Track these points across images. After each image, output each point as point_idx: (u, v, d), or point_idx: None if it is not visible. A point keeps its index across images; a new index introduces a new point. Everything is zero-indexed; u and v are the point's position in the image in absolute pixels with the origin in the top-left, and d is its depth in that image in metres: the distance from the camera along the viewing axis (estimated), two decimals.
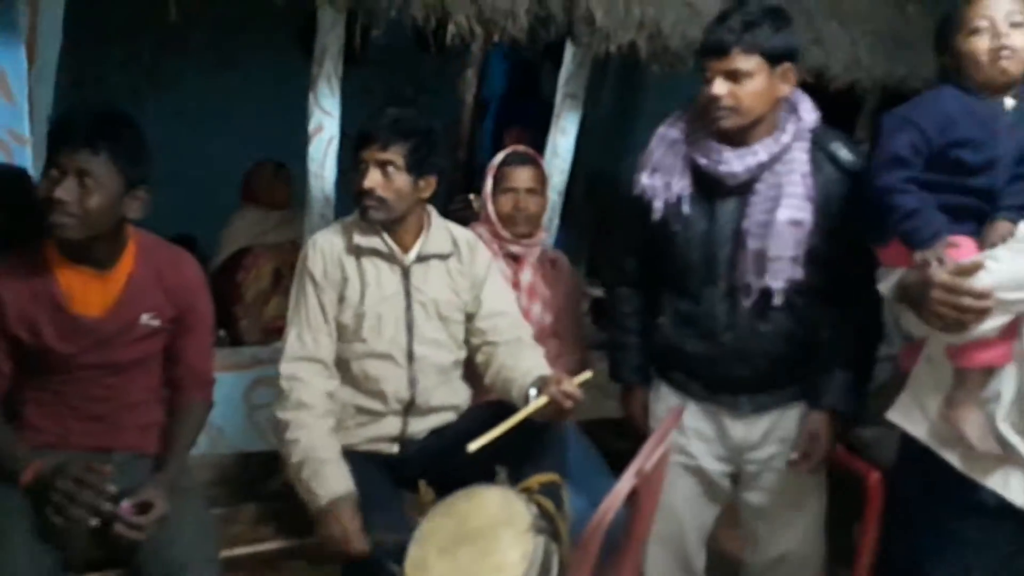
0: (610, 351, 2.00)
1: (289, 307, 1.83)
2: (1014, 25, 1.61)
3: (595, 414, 2.76)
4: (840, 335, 1.72)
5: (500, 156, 2.21)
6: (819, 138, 1.68)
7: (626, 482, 1.27)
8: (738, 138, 1.65)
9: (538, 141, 2.58)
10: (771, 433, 1.78)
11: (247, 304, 2.93)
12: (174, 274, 1.66)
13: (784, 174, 1.65)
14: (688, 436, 1.82)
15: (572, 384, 1.66)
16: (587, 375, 1.76)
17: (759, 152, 1.63)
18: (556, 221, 2.64)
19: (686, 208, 1.70)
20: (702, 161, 1.68)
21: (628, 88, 4.23)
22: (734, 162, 1.65)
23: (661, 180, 1.72)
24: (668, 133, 1.76)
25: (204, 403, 1.76)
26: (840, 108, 2.29)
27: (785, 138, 1.64)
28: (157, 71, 3.59)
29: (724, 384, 1.77)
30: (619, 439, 2.18)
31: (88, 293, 1.57)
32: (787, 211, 1.63)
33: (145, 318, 1.62)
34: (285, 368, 1.76)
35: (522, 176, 2.16)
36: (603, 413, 2.84)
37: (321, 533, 1.63)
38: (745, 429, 1.78)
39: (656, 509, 1.57)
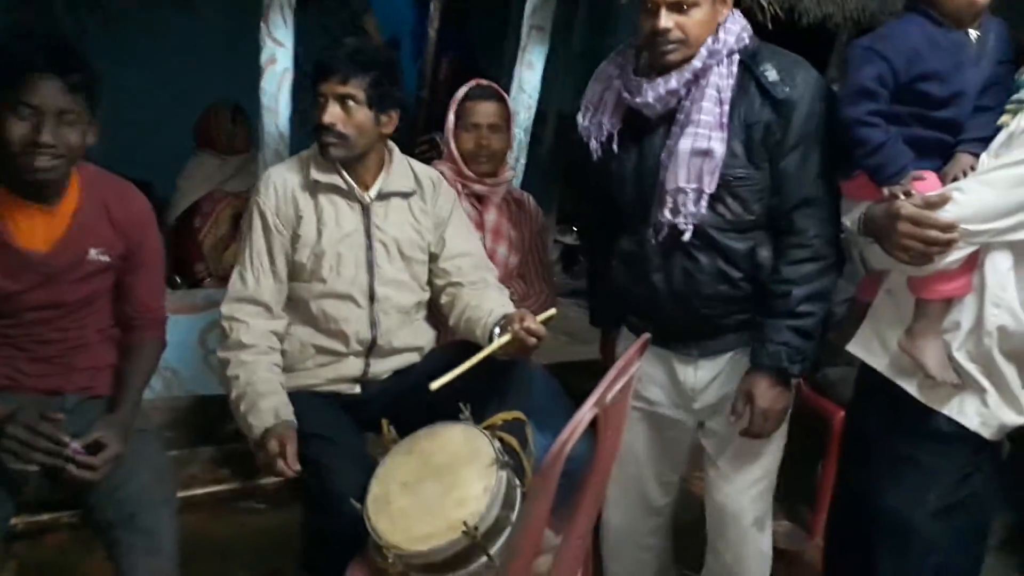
0: (587, 296, 1.99)
1: (239, 244, 1.78)
2: None
3: (564, 357, 2.77)
4: (782, 279, 1.58)
5: (463, 90, 2.13)
6: (751, 59, 1.56)
7: (586, 412, 1.25)
8: (673, 68, 1.56)
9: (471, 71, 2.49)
10: (719, 378, 1.72)
11: (205, 251, 2.85)
12: (121, 208, 1.60)
13: (696, 100, 1.54)
14: (644, 381, 1.78)
15: (535, 321, 1.64)
16: (551, 313, 1.74)
17: (671, 79, 1.54)
18: (522, 160, 2.59)
19: (615, 146, 1.64)
20: (624, 96, 1.61)
21: (599, 26, 4.14)
22: (648, 92, 1.56)
23: (594, 119, 1.66)
24: (605, 70, 1.69)
25: (157, 342, 1.72)
26: (812, 45, 2.24)
27: (696, 62, 1.53)
28: (105, 8, 3.43)
29: (670, 328, 1.70)
30: (588, 382, 2.18)
31: (34, 228, 1.52)
32: (688, 140, 1.53)
33: (93, 253, 1.57)
34: (226, 308, 1.74)
35: (486, 111, 2.09)
36: (572, 356, 2.85)
37: (258, 461, 1.62)
38: (694, 374, 1.73)
39: (619, 441, 1.56)
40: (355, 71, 1.67)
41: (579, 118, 1.68)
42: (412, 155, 1.99)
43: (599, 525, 1.85)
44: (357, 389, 1.84)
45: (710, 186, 1.54)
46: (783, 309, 1.58)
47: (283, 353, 1.78)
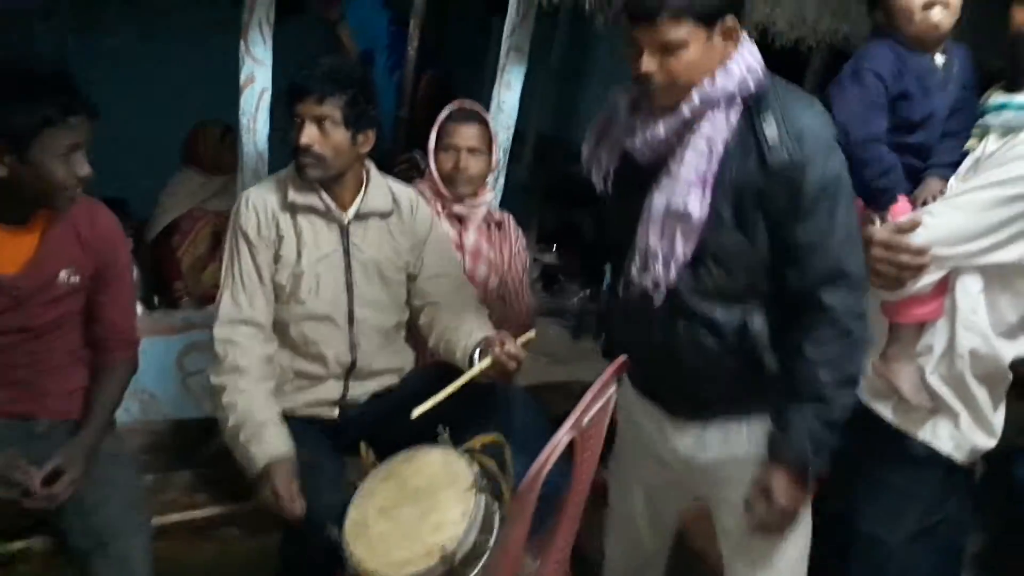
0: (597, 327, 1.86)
1: (222, 268, 1.76)
2: None
3: (545, 378, 2.77)
4: (806, 360, 1.34)
5: (446, 111, 2.13)
6: (755, 106, 1.32)
7: (563, 435, 1.26)
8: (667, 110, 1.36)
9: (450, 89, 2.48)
10: (710, 445, 1.49)
11: (184, 269, 2.83)
12: (90, 227, 1.59)
13: (682, 151, 1.33)
14: (640, 429, 1.60)
15: (516, 345, 1.64)
16: (530, 335, 1.75)
17: (658, 126, 1.34)
18: (502, 180, 2.59)
19: (609, 185, 1.48)
20: (619, 134, 1.44)
21: (578, 46, 4.18)
22: (637, 135, 1.37)
23: (596, 153, 1.49)
24: (614, 99, 1.49)
25: (128, 363, 1.70)
26: (784, 68, 2.27)
27: (685, 109, 1.31)
28: (83, 20, 3.41)
29: (657, 381, 1.53)
30: (569, 403, 2.17)
31: (3, 250, 1.50)
32: (663, 196, 1.34)
33: (64, 275, 1.56)
34: (219, 331, 1.70)
35: (466, 134, 2.10)
36: (552, 378, 2.85)
37: (258, 496, 1.59)
38: (684, 437, 1.51)
39: (595, 463, 1.55)
40: (331, 91, 1.66)
41: (583, 147, 1.51)
42: (392, 173, 1.99)
43: (577, 550, 1.83)
44: (336, 412, 1.83)
45: (684, 252, 1.34)
46: (809, 394, 1.34)
47: None
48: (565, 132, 4.59)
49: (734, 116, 1.32)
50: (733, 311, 1.38)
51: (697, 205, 1.31)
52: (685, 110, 1.31)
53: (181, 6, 3.17)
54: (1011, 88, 1.47)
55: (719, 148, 1.31)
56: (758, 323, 1.39)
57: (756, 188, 1.30)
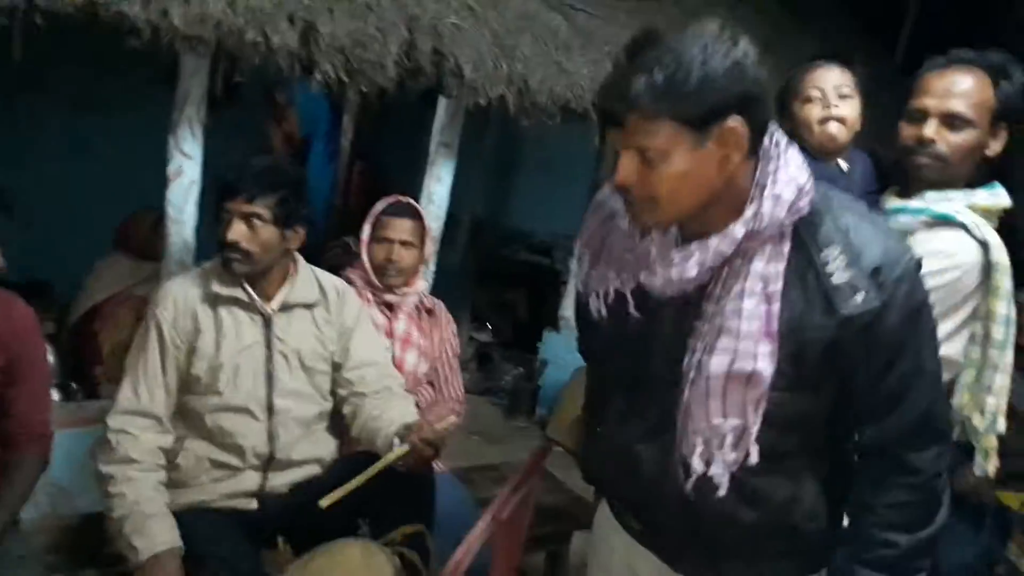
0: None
1: (130, 354, 1.75)
2: (843, 96, 1.78)
3: (476, 460, 2.77)
4: (881, 523, 1.12)
5: (381, 204, 2.18)
6: (808, 232, 1.06)
7: (479, 530, 1.27)
8: (687, 229, 1.09)
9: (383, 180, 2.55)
10: None
11: (105, 355, 2.76)
12: (5, 320, 1.56)
13: (732, 292, 1.06)
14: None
15: (434, 431, 1.65)
16: (451, 421, 1.76)
17: (688, 261, 1.06)
18: (432, 267, 2.66)
19: (630, 309, 1.15)
20: (628, 257, 1.15)
21: (509, 137, 4.36)
22: (658, 272, 1.09)
23: (596, 275, 1.19)
24: (606, 203, 1.21)
25: (37, 459, 1.64)
26: None
27: (723, 245, 1.04)
28: (12, 108, 3.41)
29: (661, 540, 1.26)
30: (500, 486, 2.17)
31: None
32: (723, 357, 1.06)
33: None
34: (115, 421, 1.68)
35: (400, 227, 2.14)
36: (484, 459, 2.85)
37: None
38: None
39: (518, 554, 1.57)
40: (262, 191, 1.69)
41: (573, 264, 1.32)
42: (324, 257, 2.02)
43: None
44: (254, 504, 1.79)
45: (757, 425, 1.07)
46: (883, 562, 1.12)
47: (176, 468, 1.73)
48: (499, 215, 4.74)
49: (786, 248, 1.05)
50: (780, 480, 1.13)
51: (767, 363, 1.05)
52: (725, 245, 1.05)
53: (116, 92, 3.21)
54: (903, 194, 1.58)
55: (776, 287, 1.05)
56: (810, 494, 1.15)
57: (823, 340, 1.04)
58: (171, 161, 2.04)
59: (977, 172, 1.55)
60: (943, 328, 1.35)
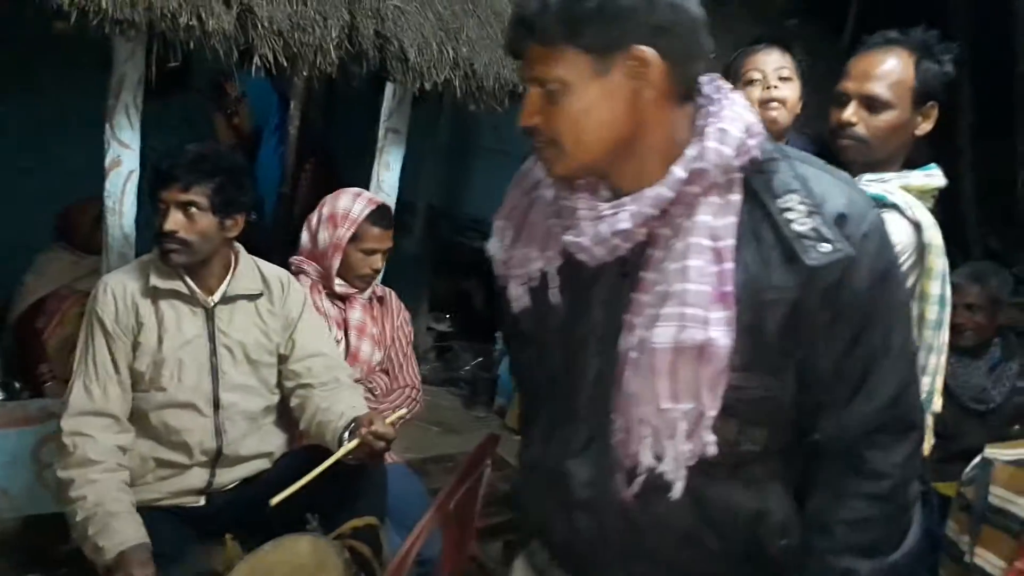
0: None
1: (76, 355, 1.69)
2: (783, 79, 1.80)
3: (435, 450, 2.76)
4: (838, 547, 0.96)
5: (366, 209, 2.06)
6: (763, 182, 0.93)
7: (426, 519, 1.26)
8: (612, 183, 0.96)
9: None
10: None
11: (50, 352, 2.68)
12: None
13: (675, 252, 0.92)
14: None
15: (384, 424, 1.64)
16: (401, 413, 1.75)
17: (620, 214, 0.92)
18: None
19: (553, 292, 1.00)
20: (556, 227, 0.99)
21: (464, 124, 4.32)
22: (586, 231, 0.94)
23: (516, 250, 1.04)
24: (529, 174, 1.07)
25: None
26: None
27: (664, 189, 0.91)
28: None
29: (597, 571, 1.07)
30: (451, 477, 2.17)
31: None
32: (668, 327, 0.90)
33: None
34: (69, 423, 1.63)
35: (386, 238, 2.10)
36: (443, 449, 2.84)
37: None
38: None
39: (469, 544, 1.56)
40: (197, 179, 1.65)
41: (490, 245, 1.07)
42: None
43: None
44: (202, 501, 1.77)
45: (714, 409, 0.92)
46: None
47: None
48: (454, 203, 4.71)
49: (736, 198, 0.92)
50: (743, 489, 0.97)
51: (722, 332, 0.89)
52: (664, 190, 0.91)
53: (50, 78, 3.10)
54: None
55: (729, 245, 0.90)
56: (780, 507, 0.99)
57: (784, 303, 0.90)
58: (108, 150, 1.97)
59: (917, 153, 1.57)
60: None
